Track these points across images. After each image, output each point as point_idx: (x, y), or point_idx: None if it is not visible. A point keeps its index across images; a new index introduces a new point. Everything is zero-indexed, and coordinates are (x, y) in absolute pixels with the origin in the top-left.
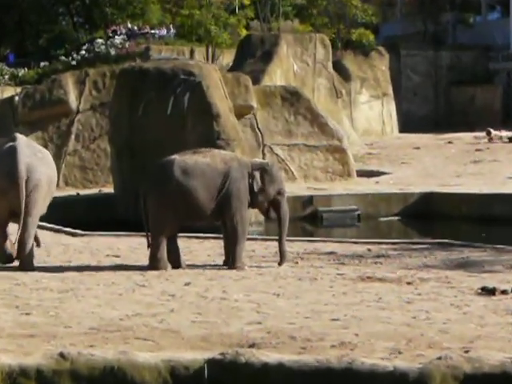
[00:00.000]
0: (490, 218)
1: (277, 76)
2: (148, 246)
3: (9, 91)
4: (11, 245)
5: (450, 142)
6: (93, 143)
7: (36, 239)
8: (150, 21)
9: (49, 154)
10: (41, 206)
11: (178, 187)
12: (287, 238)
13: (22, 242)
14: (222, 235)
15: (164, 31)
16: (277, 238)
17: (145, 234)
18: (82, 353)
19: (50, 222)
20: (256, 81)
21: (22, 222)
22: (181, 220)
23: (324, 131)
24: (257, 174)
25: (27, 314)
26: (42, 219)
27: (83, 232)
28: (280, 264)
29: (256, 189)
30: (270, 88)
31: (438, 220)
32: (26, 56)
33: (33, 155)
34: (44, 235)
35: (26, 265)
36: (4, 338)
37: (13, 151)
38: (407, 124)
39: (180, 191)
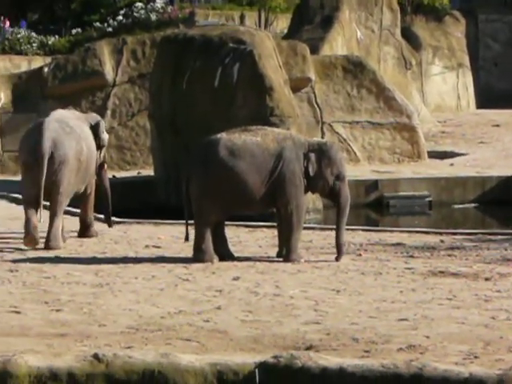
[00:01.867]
0: None
1: (338, 44)
2: (185, 238)
3: (37, 61)
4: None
5: None
6: (131, 120)
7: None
8: None
9: (82, 129)
10: (71, 183)
11: (225, 170)
12: (349, 227)
13: (49, 219)
14: (275, 224)
15: None
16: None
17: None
18: (119, 354)
19: (80, 214)
20: (314, 50)
21: (41, 199)
22: (227, 207)
23: (391, 107)
24: (312, 156)
25: (58, 310)
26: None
27: (119, 219)
28: (337, 259)
29: (312, 173)
30: (331, 58)
31: None
32: (56, 22)
33: (60, 130)
34: (75, 222)
35: (51, 243)
36: (32, 337)
37: (39, 126)
38: (486, 98)
39: (226, 174)
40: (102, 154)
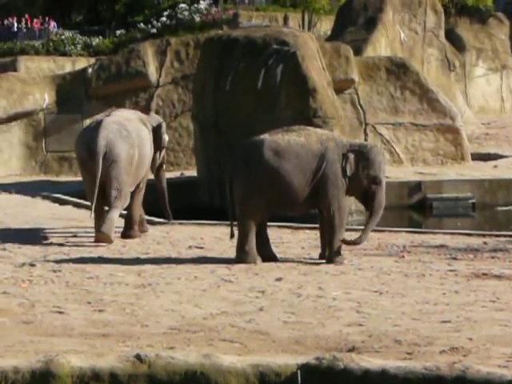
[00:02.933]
0: None
1: (381, 46)
2: (231, 237)
3: (81, 62)
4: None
5: None
6: (174, 121)
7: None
8: None
9: (139, 133)
10: (124, 182)
11: (268, 171)
12: (392, 229)
13: (107, 212)
14: (317, 225)
15: None
16: (379, 228)
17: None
18: (161, 355)
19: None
20: (358, 51)
21: (95, 194)
22: (271, 208)
23: (434, 108)
24: (351, 157)
25: (100, 310)
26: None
27: (162, 220)
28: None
29: (349, 173)
30: (374, 59)
31: None
32: (100, 23)
33: (117, 132)
34: (118, 223)
35: (102, 230)
36: (75, 337)
37: (97, 125)
38: None
39: (270, 175)
40: (162, 155)
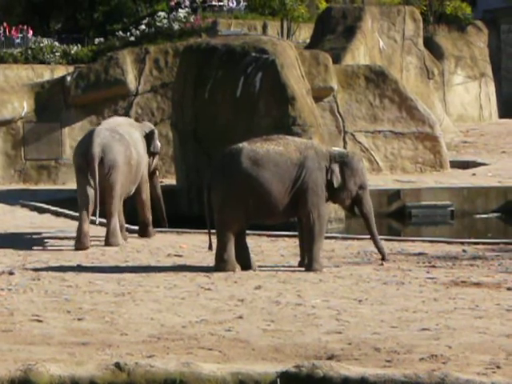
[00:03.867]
0: None
1: (360, 54)
2: (209, 247)
3: (60, 71)
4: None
5: None
6: None
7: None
8: None
9: (131, 135)
10: (122, 186)
11: (247, 179)
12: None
13: (107, 219)
14: (296, 233)
15: (233, 3)
16: (359, 236)
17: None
18: (141, 363)
19: (103, 217)
20: (337, 59)
21: (97, 200)
22: (250, 217)
23: (413, 116)
24: (336, 168)
25: (79, 319)
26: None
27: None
28: (382, 259)
29: (336, 184)
30: (353, 67)
31: None
32: (79, 31)
33: (110, 137)
34: (97, 231)
35: (110, 240)
36: (54, 345)
37: (91, 133)
38: (508, 108)
39: (249, 184)
40: (155, 162)
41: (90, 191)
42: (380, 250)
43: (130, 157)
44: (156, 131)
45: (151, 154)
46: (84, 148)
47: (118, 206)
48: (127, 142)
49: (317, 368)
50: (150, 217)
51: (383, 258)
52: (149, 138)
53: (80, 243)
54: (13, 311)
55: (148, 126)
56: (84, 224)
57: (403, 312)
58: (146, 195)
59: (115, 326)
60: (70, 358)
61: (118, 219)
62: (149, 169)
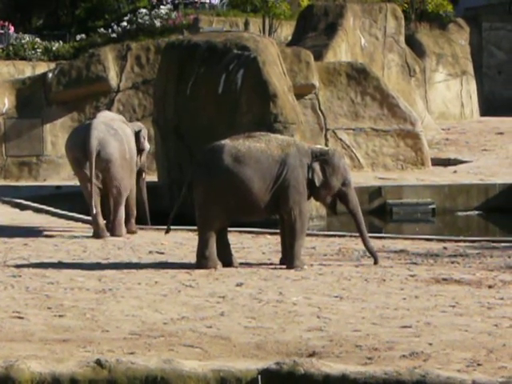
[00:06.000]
0: None
1: (342, 51)
2: (166, 232)
3: (41, 67)
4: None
5: None
6: None
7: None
8: None
9: (124, 130)
10: (123, 178)
11: (228, 176)
12: (352, 234)
13: (112, 210)
14: (278, 230)
15: (215, 0)
16: (340, 233)
17: (193, 228)
18: (121, 360)
19: (86, 214)
20: (318, 56)
21: (92, 193)
22: (231, 214)
23: (395, 114)
24: (316, 166)
25: (60, 316)
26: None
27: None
28: (375, 263)
29: (318, 183)
30: (335, 65)
31: None
32: (60, 28)
33: (106, 131)
34: (79, 229)
35: (115, 231)
36: (34, 342)
37: (88, 126)
38: (489, 106)
39: (230, 181)
40: (143, 159)
41: (91, 181)
42: (371, 252)
43: (125, 151)
44: (145, 130)
45: (138, 151)
46: (81, 141)
47: (123, 198)
48: (121, 137)
49: (298, 365)
50: (134, 211)
51: (375, 262)
52: (137, 135)
53: (99, 237)
54: None
55: (137, 124)
56: (98, 218)
57: (384, 309)
58: (133, 191)
59: (96, 323)
60: (50, 355)
61: (123, 210)
62: (136, 165)
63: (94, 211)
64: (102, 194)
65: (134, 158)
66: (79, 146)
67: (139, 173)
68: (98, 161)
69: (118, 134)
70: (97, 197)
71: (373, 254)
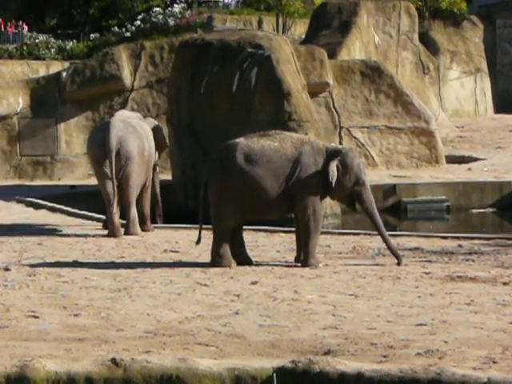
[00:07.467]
0: None
1: (356, 49)
2: (197, 241)
3: (55, 66)
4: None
5: None
6: None
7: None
8: None
9: (142, 127)
10: (138, 176)
11: (241, 175)
12: (367, 232)
13: (126, 209)
14: (293, 228)
15: None
16: (354, 231)
17: (206, 227)
18: (137, 359)
19: (99, 213)
20: (332, 54)
21: (115, 190)
22: (245, 212)
23: (409, 111)
24: (331, 164)
25: (75, 315)
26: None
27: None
28: (399, 264)
29: (332, 182)
30: (348, 63)
31: None
32: (74, 27)
33: (125, 129)
34: (94, 228)
35: (130, 230)
36: (50, 341)
37: (107, 125)
38: (503, 104)
39: (243, 179)
40: (157, 156)
41: (111, 183)
42: (393, 252)
43: (144, 149)
44: (161, 126)
45: (159, 147)
46: (100, 139)
47: (135, 197)
48: (140, 134)
49: (313, 363)
50: (148, 210)
51: (399, 263)
52: (158, 131)
53: (115, 236)
54: (9, 307)
55: (152, 122)
56: (114, 218)
57: (399, 307)
58: (149, 188)
59: (111, 322)
60: (66, 354)
61: (135, 209)
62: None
63: (113, 210)
64: (118, 192)
65: (152, 155)
66: (99, 145)
67: (153, 168)
68: (117, 159)
69: (137, 131)
70: (115, 196)
71: (395, 255)
